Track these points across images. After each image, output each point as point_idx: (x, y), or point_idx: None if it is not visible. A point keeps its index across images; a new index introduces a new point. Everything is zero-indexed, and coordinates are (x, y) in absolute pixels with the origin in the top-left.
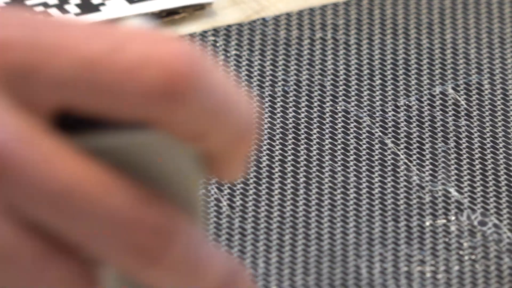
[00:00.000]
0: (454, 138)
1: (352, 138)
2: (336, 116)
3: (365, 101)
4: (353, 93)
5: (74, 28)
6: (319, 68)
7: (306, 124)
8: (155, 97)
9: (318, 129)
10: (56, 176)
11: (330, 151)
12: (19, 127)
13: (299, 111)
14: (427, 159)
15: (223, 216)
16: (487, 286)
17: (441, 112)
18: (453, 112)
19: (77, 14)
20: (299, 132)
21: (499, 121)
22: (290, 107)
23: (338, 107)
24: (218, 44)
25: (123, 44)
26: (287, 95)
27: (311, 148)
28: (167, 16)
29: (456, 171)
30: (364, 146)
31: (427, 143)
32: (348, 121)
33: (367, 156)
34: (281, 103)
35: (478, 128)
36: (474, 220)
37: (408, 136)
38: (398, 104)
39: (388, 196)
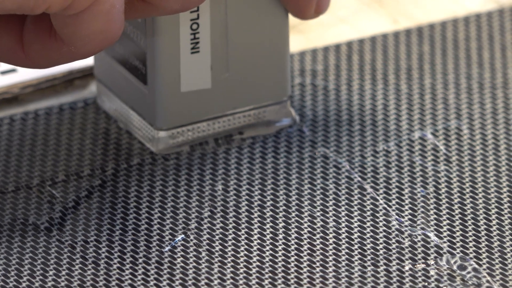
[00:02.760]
0: (433, 183)
1: (331, 184)
2: (315, 161)
3: (344, 146)
4: (332, 138)
5: None
6: (298, 114)
7: (285, 169)
8: None
9: (297, 174)
10: None
11: (309, 196)
12: None
13: (278, 156)
14: (406, 204)
15: (203, 261)
16: None
17: (420, 157)
18: (432, 157)
19: None
20: (278, 178)
21: (478, 166)
22: (269, 152)
23: (317, 153)
24: None
25: None
26: (266, 140)
27: (290, 194)
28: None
29: (435, 216)
30: (343, 191)
31: (406, 188)
32: (327, 166)
33: (346, 201)
34: (260, 148)
35: (457, 173)
36: (454, 265)
37: (387, 181)
38: (377, 149)
39: (368, 241)
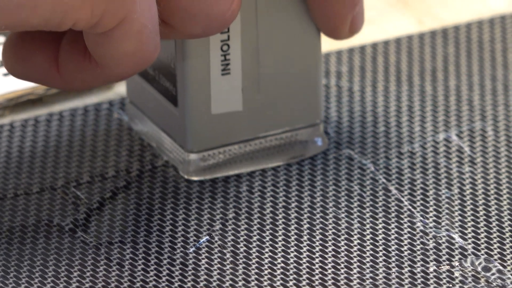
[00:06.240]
0: (458, 184)
1: (356, 185)
2: (340, 163)
3: (368, 147)
4: (356, 140)
5: None
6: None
7: (309, 170)
8: None
9: (322, 175)
10: None
11: (333, 197)
12: None
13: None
14: (431, 205)
15: (227, 263)
16: None
17: (444, 158)
18: (456, 158)
19: None
20: (303, 179)
21: (503, 167)
22: None
23: (341, 154)
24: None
25: None
26: None
27: (315, 195)
28: None
29: (459, 217)
30: (368, 193)
31: (430, 189)
32: (352, 168)
33: (371, 202)
34: None
35: (482, 174)
36: (478, 266)
37: (412, 183)
38: (402, 151)
39: (392, 242)
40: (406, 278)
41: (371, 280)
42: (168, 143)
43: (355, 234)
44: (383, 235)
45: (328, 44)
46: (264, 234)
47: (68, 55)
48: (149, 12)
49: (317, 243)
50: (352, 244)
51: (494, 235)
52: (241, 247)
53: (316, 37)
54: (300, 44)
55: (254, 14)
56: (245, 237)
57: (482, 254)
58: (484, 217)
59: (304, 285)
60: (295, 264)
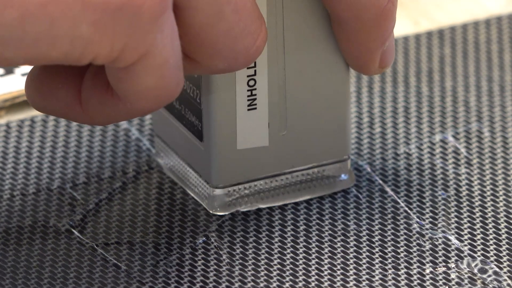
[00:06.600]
0: (454, 185)
1: (352, 186)
2: None
3: (365, 148)
4: (353, 141)
5: None
6: None
7: None
8: None
9: None
10: None
11: (330, 198)
12: None
13: None
14: (427, 207)
15: (223, 264)
16: None
17: (441, 159)
18: (453, 160)
19: None
20: None
21: (499, 169)
22: None
23: None
24: None
25: None
26: None
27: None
28: None
29: (456, 219)
30: (364, 194)
31: (427, 190)
32: None
33: (367, 203)
34: None
35: (478, 175)
36: (474, 268)
37: (408, 184)
38: (398, 152)
39: (388, 244)
40: (402, 280)
41: (367, 282)
42: (193, 178)
43: (351, 236)
44: (380, 237)
45: None
46: (260, 236)
47: (90, 90)
48: (171, 46)
49: (313, 244)
50: (348, 246)
51: (491, 236)
52: (238, 248)
53: (344, 72)
54: (328, 80)
55: (282, 49)
56: (241, 238)
57: (479, 256)
58: (481, 218)
59: (300, 287)
60: (291, 266)
